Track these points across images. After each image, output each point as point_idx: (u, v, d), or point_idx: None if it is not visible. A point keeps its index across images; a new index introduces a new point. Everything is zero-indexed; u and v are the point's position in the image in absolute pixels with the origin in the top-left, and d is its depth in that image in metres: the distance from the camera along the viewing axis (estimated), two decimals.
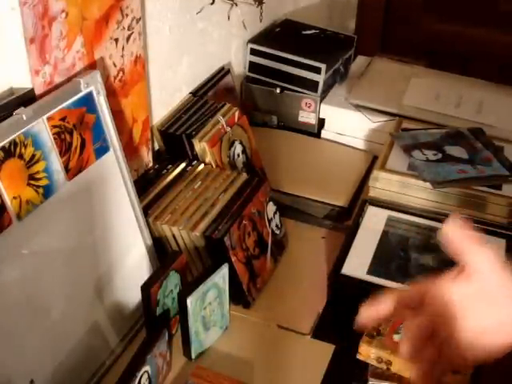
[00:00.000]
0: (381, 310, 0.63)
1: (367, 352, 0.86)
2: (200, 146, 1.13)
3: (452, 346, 0.60)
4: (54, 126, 0.83)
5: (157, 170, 1.14)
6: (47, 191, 0.81)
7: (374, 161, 1.34)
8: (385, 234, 1.12)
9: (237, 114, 1.22)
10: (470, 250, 0.60)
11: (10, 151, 0.76)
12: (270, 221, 1.10)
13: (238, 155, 1.20)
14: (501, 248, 1.09)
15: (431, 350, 0.61)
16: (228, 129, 1.18)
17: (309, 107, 1.45)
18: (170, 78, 1.21)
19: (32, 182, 0.79)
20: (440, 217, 1.15)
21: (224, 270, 0.94)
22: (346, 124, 1.44)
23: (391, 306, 0.63)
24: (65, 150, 0.84)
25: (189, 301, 0.88)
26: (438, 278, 0.62)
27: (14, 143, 0.76)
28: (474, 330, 0.59)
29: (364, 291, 1.01)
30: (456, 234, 0.60)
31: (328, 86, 1.49)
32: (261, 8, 1.45)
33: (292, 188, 1.27)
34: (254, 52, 1.46)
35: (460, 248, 0.60)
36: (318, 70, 1.42)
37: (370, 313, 0.63)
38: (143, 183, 1.08)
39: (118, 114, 1.01)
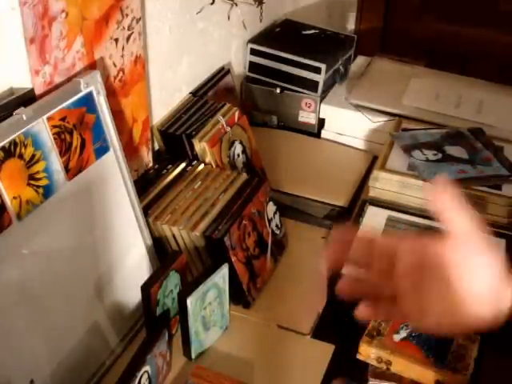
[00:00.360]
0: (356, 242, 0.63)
1: (367, 352, 0.86)
2: (200, 145, 1.13)
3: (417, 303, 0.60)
4: (54, 126, 0.83)
5: (157, 169, 1.14)
6: (47, 191, 0.81)
7: (374, 161, 1.34)
8: (385, 234, 1.12)
9: (237, 114, 1.22)
10: (455, 215, 0.60)
11: (9, 151, 0.76)
12: (269, 221, 1.10)
13: (238, 155, 1.20)
14: (501, 248, 1.09)
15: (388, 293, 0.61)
16: (228, 129, 1.18)
17: (309, 107, 1.45)
18: (170, 78, 1.21)
19: (32, 181, 0.79)
20: None
21: (224, 270, 0.94)
22: (346, 124, 1.44)
23: (364, 242, 0.63)
24: (65, 149, 0.84)
25: (189, 301, 0.88)
26: (423, 236, 0.62)
27: (13, 143, 0.76)
28: (444, 292, 0.59)
29: None
30: (445, 196, 0.60)
31: (328, 86, 1.49)
32: (261, 8, 1.45)
33: (292, 188, 1.27)
34: (253, 52, 1.46)
35: (446, 210, 0.60)
36: (318, 70, 1.42)
37: (342, 235, 0.64)
38: (143, 183, 1.08)
39: (118, 114, 1.01)
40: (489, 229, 1.13)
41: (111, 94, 0.99)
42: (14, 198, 0.76)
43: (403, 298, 0.61)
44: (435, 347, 0.86)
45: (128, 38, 1.01)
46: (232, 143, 1.19)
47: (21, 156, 0.77)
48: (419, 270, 0.60)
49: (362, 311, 0.63)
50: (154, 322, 0.90)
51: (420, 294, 0.60)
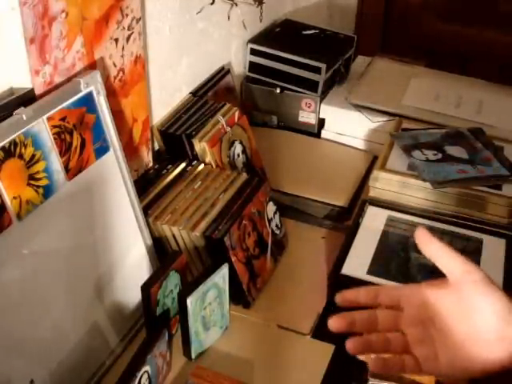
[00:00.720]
0: (359, 294, 0.65)
1: None
2: (200, 146, 1.13)
3: (425, 349, 0.61)
4: (54, 126, 0.83)
5: (157, 169, 1.14)
6: (47, 191, 0.81)
7: (374, 161, 1.34)
8: (385, 233, 1.12)
9: (237, 114, 1.22)
10: (444, 257, 0.61)
11: (10, 151, 0.76)
12: (269, 221, 1.10)
13: (238, 155, 1.20)
14: (501, 248, 1.09)
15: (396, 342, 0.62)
16: (228, 129, 1.18)
17: (309, 107, 1.45)
18: (170, 78, 1.21)
19: (32, 181, 0.79)
20: (440, 217, 1.15)
21: (224, 270, 0.94)
22: (346, 124, 1.44)
23: (370, 295, 0.65)
24: (65, 149, 0.84)
25: (189, 301, 0.88)
26: (422, 284, 0.63)
27: (14, 143, 0.76)
28: (449, 337, 0.59)
29: None
30: (426, 241, 0.62)
31: (328, 86, 1.49)
32: (261, 8, 1.45)
33: (292, 188, 1.27)
34: (254, 52, 1.46)
35: (433, 255, 0.62)
36: (318, 70, 1.42)
37: (349, 294, 0.65)
38: (143, 183, 1.08)
39: (117, 114, 1.01)
40: (488, 229, 1.13)
41: (111, 94, 0.99)
42: (14, 198, 0.76)
43: (413, 347, 0.61)
44: None
45: (128, 38, 1.01)
46: (232, 143, 1.19)
47: (21, 156, 0.77)
48: (423, 319, 0.61)
49: (374, 366, 0.63)
50: (154, 321, 0.90)
51: (428, 342, 0.60)
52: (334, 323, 0.64)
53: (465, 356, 0.58)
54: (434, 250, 0.61)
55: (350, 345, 0.63)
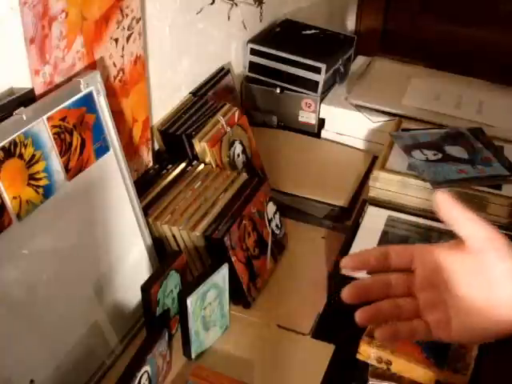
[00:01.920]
0: (369, 256, 0.62)
1: (367, 352, 0.86)
2: (200, 146, 1.13)
3: (437, 312, 0.59)
4: (54, 126, 0.83)
5: (157, 170, 1.14)
6: (47, 191, 0.81)
7: (374, 161, 1.34)
8: (385, 234, 1.12)
9: (237, 114, 1.22)
10: (466, 223, 0.58)
11: (10, 151, 0.76)
12: (269, 221, 1.10)
13: (238, 155, 1.20)
14: None
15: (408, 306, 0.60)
16: (228, 129, 1.18)
17: (309, 107, 1.45)
18: (170, 78, 1.21)
19: (32, 181, 0.79)
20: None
21: (224, 270, 0.94)
22: (346, 124, 1.44)
23: (380, 256, 0.62)
24: (65, 150, 0.84)
25: (189, 301, 0.88)
26: (435, 245, 0.61)
27: (14, 143, 0.76)
28: (463, 303, 0.57)
29: None
30: (448, 205, 0.59)
31: (328, 86, 1.49)
32: (261, 8, 1.45)
33: (292, 188, 1.27)
34: (253, 52, 1.46)
35: (454, 219, 0.59)
36: (318, 70, 1.42)
37: (357, 257, 0.63)
38: (143, 183, 1.08)
39: (117, 114, 1.01)
40: None
41: (111, 94, 0.99)
42: (14, 198, 0.76)
43: (425, 312, 0.59)
44: (435, 347, 0.86)
45: (128, 38, 1.01)
46: (232, 143, 1.19)
47: (21, 156, 0.77)
48: (436, 282, 0.59)
49: (382, 334, 0.61)
50: (154, 322, 0.90)
51: (440, 306, 0.59)
52: (348, 293, 0.61)
53: (480, 322, 0.57)
54: (455, 214, 0.59)
55: (360, 315, 0.60)
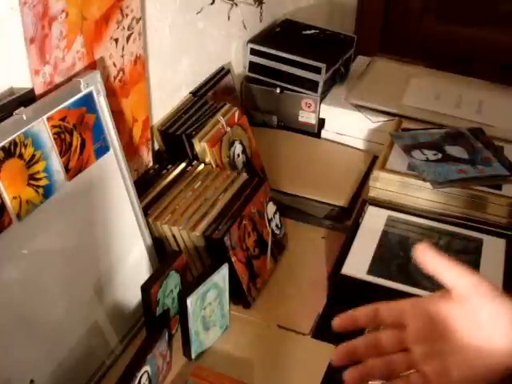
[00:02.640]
0: (358, 316, 0.63)
1: None
2: (200, 146, 1.13)
3: (434, 362, 0.59)
4: (54, 126, 0.83)
5: (157, 170, 1.14)
6: (47, 191, 0.81)
7: (374, 161, 1.34)
8: (385, 233, 1.12)
9: (237, 114, 1.22)
10: (448, 272, 0.59)
11: (10, 151, 0.76)
12: (269, 221, 1.10)
13: (238, 155, 1.20)
14: (501, 248, 1.09)
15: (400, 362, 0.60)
16: (228, 129, 1.18)
17: (309, 107, 1.45)
18: (170, 78, 1.21)
19: (32, 181, 0.79)
20: (440, 217, 1.15)
21: (224, 270, 0.94)
22: (346, 124, 1.44)
23: (369, 315, 0.63)
24: (65, 149, 0.84)
25: (189, 301, 0.88)
26: (424, 298, 0.62)
27: (14, 143, 0.76)
28: (460, 349, 0.58)
29: (364, 291, 1.02)
30: (428, 257, 0.60)
31: (328, 86, 1.49)
32: (261, 8, 1.45)
33: (292, 188, 1.27)
34: (254, 52, 1.46)
35: (436, 270, 0.60)
36: (318, 70, 1.42)
37: (346, 317, 0.63)
38: (143, 183, 1.08)
39: (117, 114, 1.01)
40: (488, 229, 1.13)
41: (111, 94, 0.99)
42: (14, 198, 0.76)
43: (421, 364, 0.59)
44: None
45: (128, 38, 1.01)
46: (232, 143, 1.19)
47: (21, 156, 0.77)
48: (430, 334, 0.59)
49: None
50: (154, 322, 0.90)
51: (438, 357, 0.59)
52: (336, 358, 0.62)
53: (479, 365, 0.57)
54: (437, 265, 0.60)
55: (349, 375, 0.60)
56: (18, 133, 0.77)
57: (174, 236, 1.00)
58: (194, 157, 1.15)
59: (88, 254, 0.90)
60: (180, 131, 1.15)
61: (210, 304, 0.93)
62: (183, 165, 1.13)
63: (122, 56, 1.01)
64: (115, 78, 1.01)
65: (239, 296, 1.02)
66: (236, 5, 1.35)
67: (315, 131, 1.48)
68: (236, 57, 1.47)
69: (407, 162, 1.21)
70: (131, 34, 1.02)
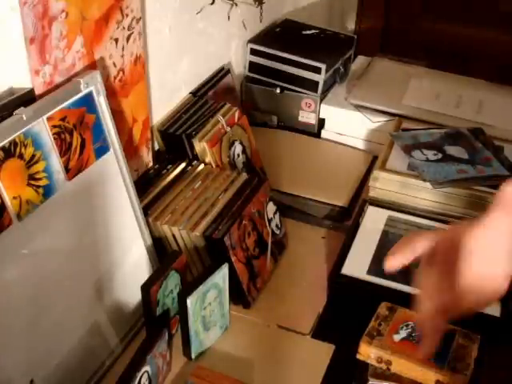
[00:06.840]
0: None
1: (367, 352, 0.86)
2: (200, 146, 1.13)
3: (456, 288, 0.67)
4: (54, 126, 0.83)
5: (157, 169, 1.14)
6: (47, 191, 0.81)
7: (373, 161, 1.34)
8: (385, 233, 1.12)
9: (237, 114, 1.22)
10: (416, 246, 0.73)
11: (9, 151, 0.76)
12: (269, 221, 1.10)
13: (238, 155, 1.20)
14: None
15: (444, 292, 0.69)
16: (228, 129, 1.18)
17: (309, 107, 1.46)
18: (170, 78, 1.21)
19: (32, 182, 0.79)
20: (440, 217, 1.15)
21: (224, 270, 0.94)
22: (346, 124, 1.44)
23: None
24: (65, 149, 0.84)
25: (189, 301, 0.88)
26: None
27: (13, 143, 0.76)
28: (475, 274, 0.66)
29: (364, 291, 1.02)
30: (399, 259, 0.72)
31: (328, 86, 1.49)
32: (261, 8, 1.45)
33: (292, 188, 1.27)
34: (253, 52, 1.46)
35: (414, 251, 0.72)
36: (318, 70, 1.42)
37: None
38: (143, 183, 1.08)
39: (118, 114, 1.01)
40: None
41: (111, 94, 0.99)
42: (14, 198, 0.76)
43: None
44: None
45: (128, 38, 1.01)
46: (232, 143, 1.19)
47: (21, 156, 0.77)
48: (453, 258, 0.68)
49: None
50: (154, 322, 0.90)
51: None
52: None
53: (477, 289, 0.68)
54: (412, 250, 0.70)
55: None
56: (18, 133, 0.77)
57: (173, 236, 1.00)
58: (194, 157, 1.15)
59: (88, 253, 0.90)
60: (180, 131, 1.15)
61: (209, 304, 0.93)
62: (183, 165, 1.13)
63: (122, 56, 1.01)
64: (115, 77, 1.01)
65: (239, 296, 1.02)
66: (236, 5, 1.35)
67: (315, 131, 1.48)
68: (236, 57, 1.47)
69: (407, 162, 1.21)
70: (131, 34, 1.02)
